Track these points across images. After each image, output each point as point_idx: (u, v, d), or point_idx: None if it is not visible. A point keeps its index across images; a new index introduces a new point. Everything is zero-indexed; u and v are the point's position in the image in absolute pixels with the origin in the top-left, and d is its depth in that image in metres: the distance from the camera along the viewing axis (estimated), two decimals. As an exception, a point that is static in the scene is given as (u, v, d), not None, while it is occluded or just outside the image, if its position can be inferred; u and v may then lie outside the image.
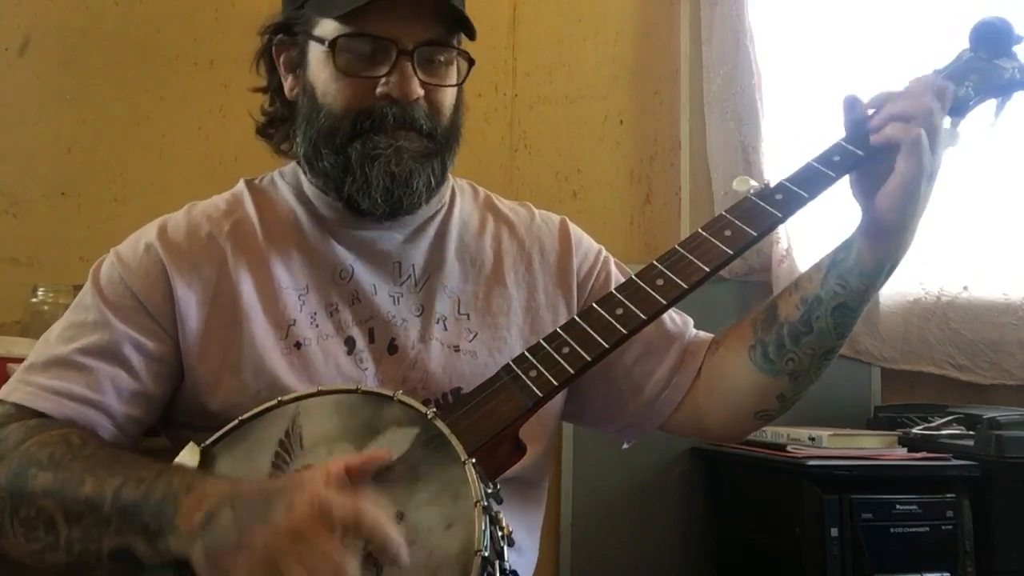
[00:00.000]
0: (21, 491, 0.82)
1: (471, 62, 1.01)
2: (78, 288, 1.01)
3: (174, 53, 2.02)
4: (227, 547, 0.71)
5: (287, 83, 1.04)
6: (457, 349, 1.01)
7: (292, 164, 1.08)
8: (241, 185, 1.08)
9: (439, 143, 0.99)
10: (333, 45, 0.96)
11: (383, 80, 0.95)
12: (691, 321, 1.12)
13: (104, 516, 0.78)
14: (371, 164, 0.96)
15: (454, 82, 1.01)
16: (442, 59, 0.99)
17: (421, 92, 0.96)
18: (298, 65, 1.02)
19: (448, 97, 1.00)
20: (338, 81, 0.96)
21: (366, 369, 0.97)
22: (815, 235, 2.11)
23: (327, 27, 0.97)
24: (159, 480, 0.78)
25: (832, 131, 0.98)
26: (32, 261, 1.89)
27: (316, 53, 0.99)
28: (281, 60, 1.04)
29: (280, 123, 1.06)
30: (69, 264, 1.81)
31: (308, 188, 1.05)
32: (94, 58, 1.97)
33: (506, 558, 0.76)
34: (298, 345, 0.96)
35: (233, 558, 0.70)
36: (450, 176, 1.12)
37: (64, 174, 1.93)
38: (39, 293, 1.72)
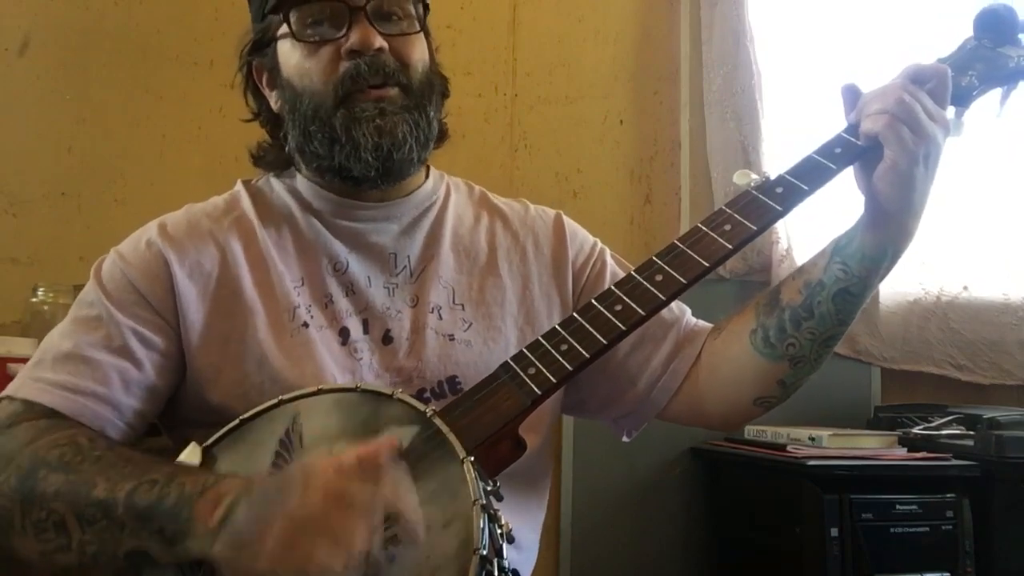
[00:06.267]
0: (31, 492, 0.81)
1: (427, 7, 1.04)
2: (78, 288, 1.02)
3: (174, 53, 2.02)
4: (247, 537, 0.71)
5: (272, 99, 1.07)
6: (452, 338, 1.01)
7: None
8: (239, 186, 1.09)
9: (416, 96, 1.00)
10: (288, 21, 0.99)
11: (343, 39, 0.98)
12: (688, 310, 1.12)
13: (117, 520, 0.78)
14: (356, 125, 0.97)
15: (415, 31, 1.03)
16: (398, 12, 1.02)
17: (383, 43, 0.98)
18: (275, 75, 1.04)
19: (415, 49, 1.02)
20: (307, 59, 0.99)
21: (360, 359, 0.98)
22: (815, 235, 2.10)
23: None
24: (172, 483, 0.78)
25: (833, 130, 0.97)
26: (32, 261, 1.89)
27: (284, 48, 1.02)
28: (264, 81, 1.07)
29: (278, 145, 1.08)
30: (69, 264, 1.81)
31: (302, 184, 1.06)
32: (94, 58, 1.97)
33: (505, 556, 0.76)
34: (305, 325, 0.97)
35: (255, 547, 0.70)
36: (444, 174, 1.13)
37: (64, 174, 1.93)
38: (39, 293, 1.72)
